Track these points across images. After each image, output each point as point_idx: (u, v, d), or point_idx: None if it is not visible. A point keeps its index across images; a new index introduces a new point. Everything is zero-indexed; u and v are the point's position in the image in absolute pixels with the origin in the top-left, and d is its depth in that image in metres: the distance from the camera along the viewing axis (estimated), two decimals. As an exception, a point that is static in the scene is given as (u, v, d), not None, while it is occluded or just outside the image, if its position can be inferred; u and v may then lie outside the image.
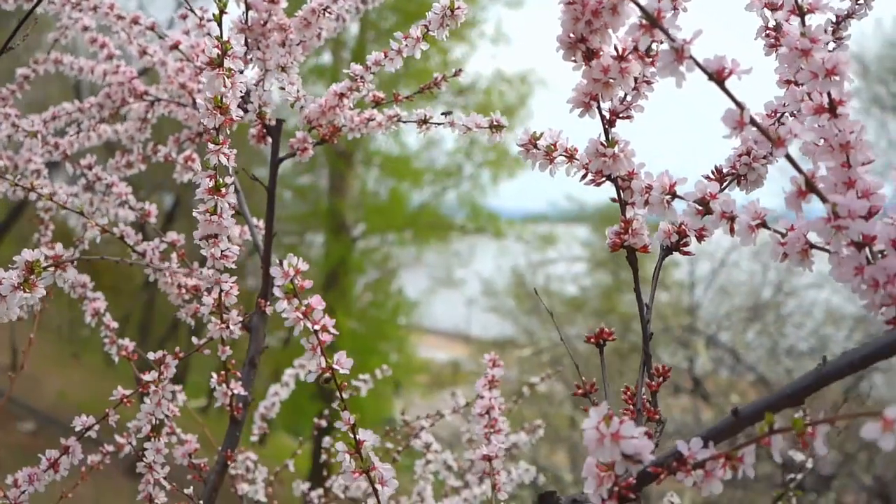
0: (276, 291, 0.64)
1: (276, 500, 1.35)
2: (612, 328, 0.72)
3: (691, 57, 0.52)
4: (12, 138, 1.23)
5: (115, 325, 1.14)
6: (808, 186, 0.54)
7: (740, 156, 0.71)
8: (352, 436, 0.67)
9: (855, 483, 6.20)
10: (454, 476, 1.44)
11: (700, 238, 0.70)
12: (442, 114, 0.98)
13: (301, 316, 0.64)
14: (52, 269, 0.70)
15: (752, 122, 0.53)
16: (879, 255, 0.55)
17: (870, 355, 0.51)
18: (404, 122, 1.01)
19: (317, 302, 0.65)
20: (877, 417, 0.42)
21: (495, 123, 0.88)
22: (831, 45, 0.75)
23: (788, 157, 0.53)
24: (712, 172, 0.72)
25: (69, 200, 1.03)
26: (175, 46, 1.07)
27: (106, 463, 1.19)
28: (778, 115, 0.72)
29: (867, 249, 0.54)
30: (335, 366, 0.66)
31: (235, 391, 1.00)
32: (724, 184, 0.71)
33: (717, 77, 0.53)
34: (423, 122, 0.99)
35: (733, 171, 0.71)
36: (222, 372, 0.99)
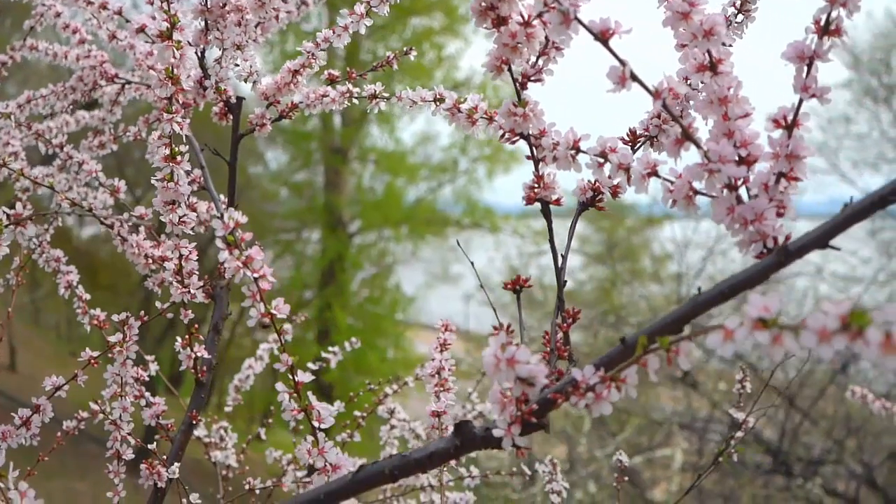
0: (218, 242, 0.70)
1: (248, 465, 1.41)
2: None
3: (577, 19, 0.58)
4: (-10, 121, 1.28)
5: (87, 296, 1.19)
6: (685, 135, 0.60)
7: (652, 118, 0.77)
8: (291, 377, 0.73)
9: (845, 470, 6.27)
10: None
11: (615, 195, 0.76)
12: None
13: (241, 265, 0.70)
14: (12, 226, 0.76)
15: (633, 77, 0.58)
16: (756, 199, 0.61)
17: (737, 285, 0.57)
18: (356, 97, 1.06)
19: (256, 252, 0.71)
20: (719, 329, 0.48)
21: (438, 97, 0.93)
22: (739, 18, 0.81)
23: (665, 107, 0.59)
24: (626, 134, 0.77)
25: (41, 177, 1.08)
26: (141, 30, 1.12)
27: (81, 428, 1.25)
28: (688, 80, 0.77)
29: (742, 191, 0.60)
30: (273, 311, 0.71)
31: (199, 354, 1.06)
32: (638, 144, 0.77)
33: (602, 37, 0.58)
34: (374, 97, 1.04)
35: (646, 132, 0.77)
36: (186, 336, 1.05)
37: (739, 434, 1.17)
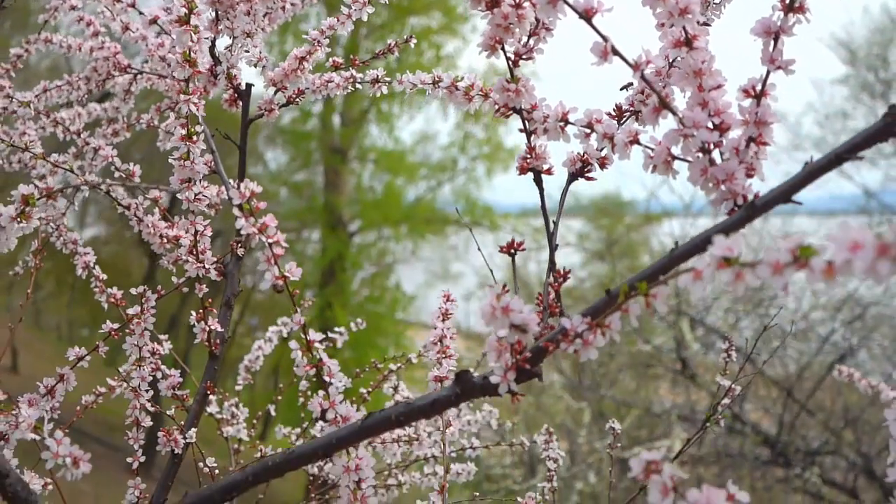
0: (235, 210, 0.75)
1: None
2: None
3: (563, -1, 0.63)
4: (7, 109, 1.34)
5: (104, 276, 1.25)
6: (662, 104, 0.65)
7: (636, 94, 0.82)
8: (303, 336, 0.79)
9: (843, 460, 6.33)
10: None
11: (602, 166, 0.82)
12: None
13: (257, 231, 0.76)
14: (44, 199, 0.81)
15: (615, 51, 0.64)
16: (729, 163, 0.67)
17: (710, 238, 0.62)
18: (359, 82, 1.12)
19: (270, 220, 0.76)
20: (690, 271, 0.54)
21: (436, 80, 0.99)
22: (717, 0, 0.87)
23: (643, 78, 0.65)
24: (613, 109, 0.83)
25: (60, 161, 1.14)
26: (154, 21, 1.18)
27: (99, 402, 1.31)
28: (669, 59, 0.83)
29: (716, 155, 0.66)
30: (287, 274, 0.77)
31: (213, 328, 1.12)
32: (623, 119, 0.82)
33: (586, 15, 0.64)
34: (376, 81, 1.10)
35: (631, 107, 0.82)
36: (200, 310, 1.11)
37: (726, 401, 1.23)
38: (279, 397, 1.66)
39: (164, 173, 1.29)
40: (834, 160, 0.59)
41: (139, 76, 1.35)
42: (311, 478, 1.48)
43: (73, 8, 1.35)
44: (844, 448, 6.28)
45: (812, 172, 0.59)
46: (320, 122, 11.47)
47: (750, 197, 0.64)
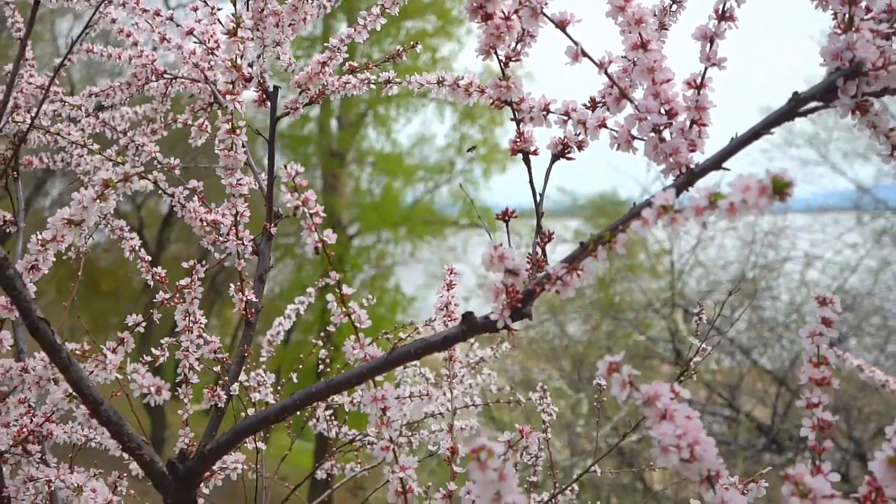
0: (282, 187, 0.92)
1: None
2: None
3: (543, 13, 0.81)
4: (55, 112, 1.51)
5: (148, 258, 1.42)
6: (622, 94, 0.83)
7: (607, 88, 0.99)
8: (338, 290, 0.96)
9: (835, 446, 6.50)
10: (432, 386, 1.73)
11: (580, 148, 0.99)
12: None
13: (300, 203, 0.93)
14: (121, 182, 0.98)
15: (584, 54, 0.81)
16: (677, 141, 0.84)
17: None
18: (373, 83, 1.29)
19: (311, 194, 0.94)
20: (639, 218, 0.71)
21: (440, 79, 1.16)
22: (674, 7, 1.04)
23: (608, 75, 0.82)
24: (588, 100, 1.00)
25: (111, 154, 1.31)
26: (190, 32, 1.35)
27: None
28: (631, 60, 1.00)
29: (665, 134, 0.83)
30: (325, 238, 0.94)
31: (249, 298, 1.29)
32: (597, 108, 1.00)
33: (561, 25, 0.81)
34: (388, 82, 1.28)
35: (603, 99, 1.00)
36: (238, 283, 1.28)
37: (698, 359, 1.40)
38: (300, 366, 1.83)
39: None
40: (753, 135, 0.76)
41: (174, 81, 1.52)
42: (331, 441, 1.65)
43: (113, 21, 1.52)
44: (836, 434, 6.46)
45: (737, 145, 0.77)
46: (318, 126, 11.65)
47: (692, 166, 0.81)
